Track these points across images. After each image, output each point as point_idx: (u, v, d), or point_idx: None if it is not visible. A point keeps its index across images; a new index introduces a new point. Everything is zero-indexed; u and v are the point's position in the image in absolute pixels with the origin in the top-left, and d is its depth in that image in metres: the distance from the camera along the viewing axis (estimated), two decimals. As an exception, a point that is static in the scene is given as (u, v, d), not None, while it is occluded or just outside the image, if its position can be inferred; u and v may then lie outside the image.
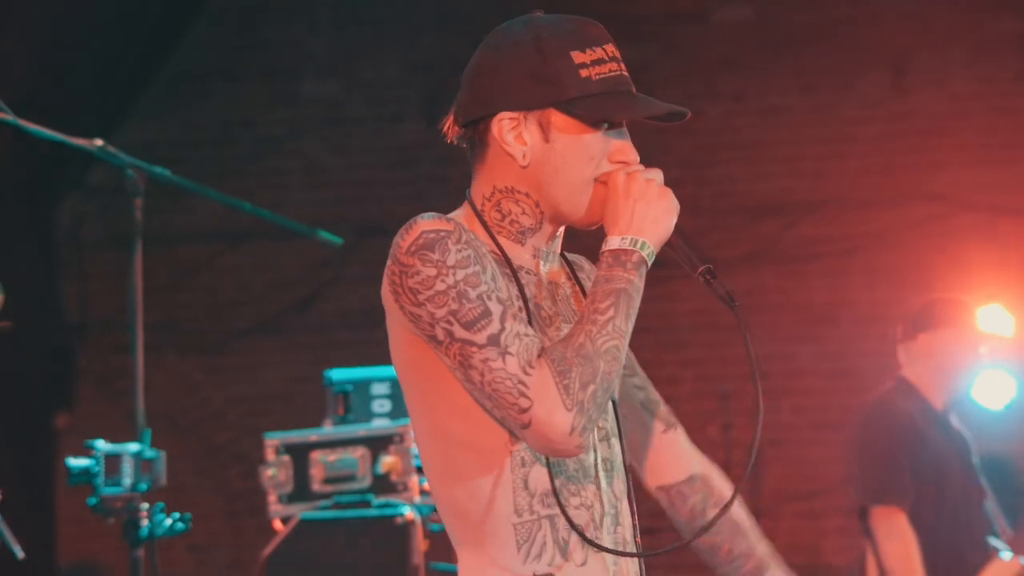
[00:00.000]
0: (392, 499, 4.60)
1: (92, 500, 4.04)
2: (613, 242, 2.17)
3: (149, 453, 4.11)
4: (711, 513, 2.45)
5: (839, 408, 6.89)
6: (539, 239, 2.26)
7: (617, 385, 2.15)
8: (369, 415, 4.82)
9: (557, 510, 2.16)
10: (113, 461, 4.05)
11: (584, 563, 2.19)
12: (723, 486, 2.50)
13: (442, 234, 2.12)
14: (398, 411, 4.75)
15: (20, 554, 3.71)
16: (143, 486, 4.08)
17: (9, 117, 4.01)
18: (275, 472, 4.70)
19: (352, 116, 7.74)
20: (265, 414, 7.15)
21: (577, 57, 2.18)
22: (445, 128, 2.27)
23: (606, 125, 2.21)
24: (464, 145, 2.27)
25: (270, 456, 4.72)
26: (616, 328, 2.12)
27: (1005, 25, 7.21)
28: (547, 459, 2.16)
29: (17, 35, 6.83)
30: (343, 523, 4.57)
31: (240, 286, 7.75)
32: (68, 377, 7.85)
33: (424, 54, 7.62)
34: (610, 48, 2.22)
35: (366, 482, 4.63)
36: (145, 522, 4.04)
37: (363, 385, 4.85)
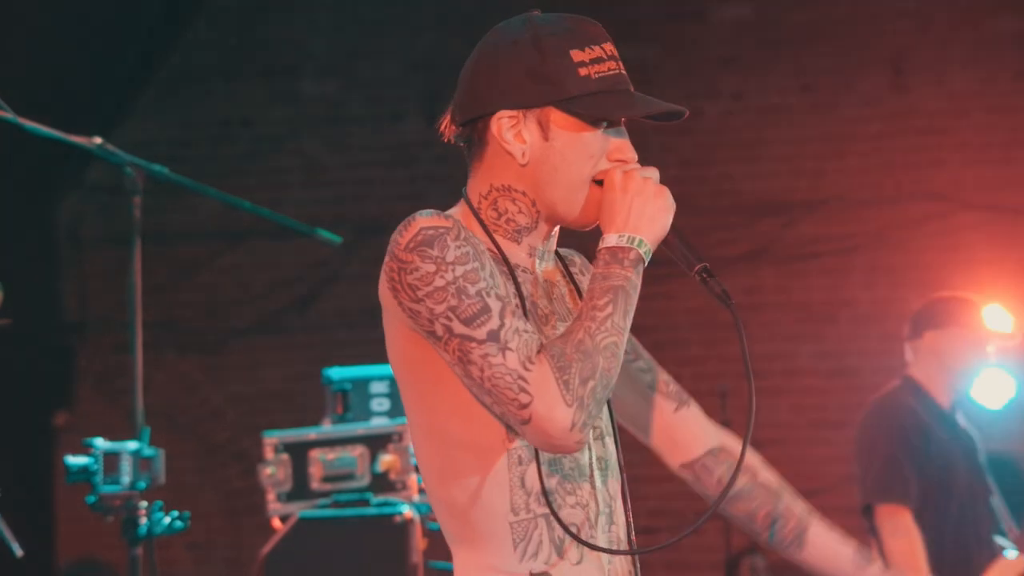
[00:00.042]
0: (391, 498, 4.60)
1: (91, 498, 4.04)
2: (610, 239, 2.18)
3: (148, 451, 4.11)
4: (740, 481, 2.47)
5: (838, 407, 6.89)
6: (535, 238, 2.26)
7: (615, 381, 2.15)
8: (368, 414, 4.82)
9: (554, 507, 2.16)
10: (112, 459, 4.05)
11: (579, 561, 2.20)
12: (747, 454, 2.49)
13: (441, 231, 2.12)
14: (397, 410, 4.75)
15: (19, 552, 3.71)
16: (142, 484, 4.08)
17: (8, 115, 4.01)
18: (274, 471, 4.70)
19: (351, 115, 7.74)
20: (264, 413, 7.15)
21: (576, 56, 2.19)
22: (442, 127, 2.27)
23: (604, 124, 2.21)
24: (461, 144, 2.27)
25: (269, 455, 4.72)
26: (615, 325, 2.12)
27: (1004, 24, 7.21)
28: (539, 459, 2.16)
29: (17, 33, 6.83)
30: (342, 522, 4.57)
31: (239, 285, 7.76)
32: (67, 375, 7.86)
33: (423, 53, 7.62)
34: (608, 47, 2.22)
35: (365, 481, 4.63)
36: (144, 520, 4.05)
37: (362, 384, 4.85)
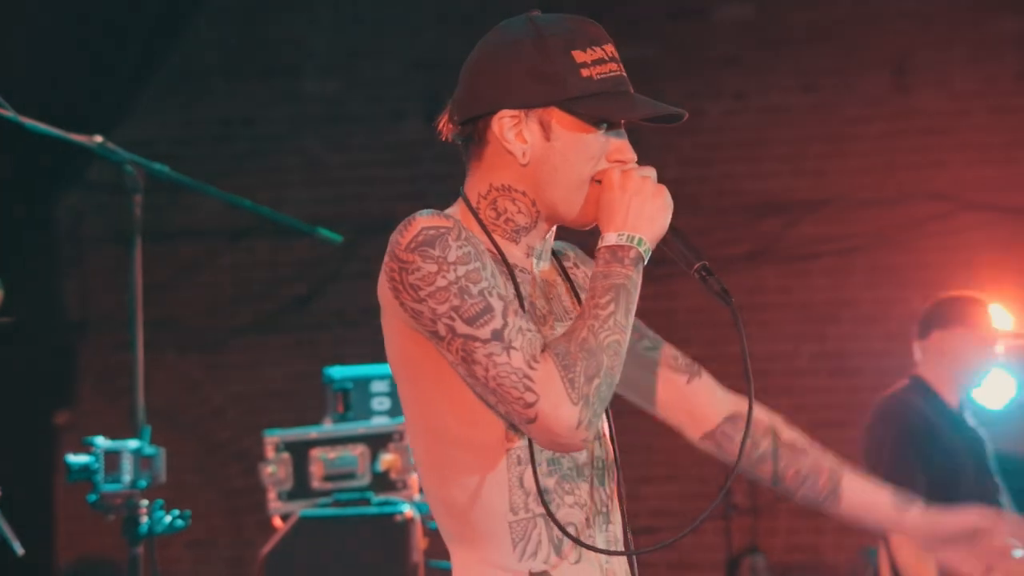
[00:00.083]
0: (391, 497, 4.61)
1: (92, 497, 4.04)
2: (610, 238, 2.18)
3: (149, 450, 4.11)
4: (763, 443, 2.45)
5: (840, 407, 6.89)
6: (533, 238, 2.26)
7: (618, 379, 2.15)
8: (369, 413, 4.83)
9: (552, 508, 2.16)
10: (113, 458, 4.05)
11: (578, 561, 2.20)
12: (763, 415, 2.48)
13: (442, 230, 2.12)
14: (398, 409, 4.75)
15: (20, 550, 3.71)
16: (143, 483, 4.08)
17: (9, 113, 4.01)
18: (275, 469, 4.70)
19: (352, 114, 7.74)
20: (265, 411, 7.15)
21: (579, 57, 2.19)
22: (440, 125, 2.27)
23: (605, 125, 2.21)
24: (459, 142, 2.27)
25: (270, 453, 4.72)
26: (617, 323, 2.12)
27: (1006, 24, 7.21)
28: (534, 459, 2.15)
29: (18, 32, 6.83)
30: (343, 521, 4.58)
31: (240, 283, 7.76)
32: (68, 374, 7.86)
33: (424, 52, 7.62)
34: (609, 48, 2.22)
35: (366, 480, 4.63)
36: (145, 519, 4.05)
37: (363, 383, 4.85)
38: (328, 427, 4.77)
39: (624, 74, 2.23)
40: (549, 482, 2.18)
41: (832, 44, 7.32)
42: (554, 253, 2.36)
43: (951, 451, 4.75)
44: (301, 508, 4.63)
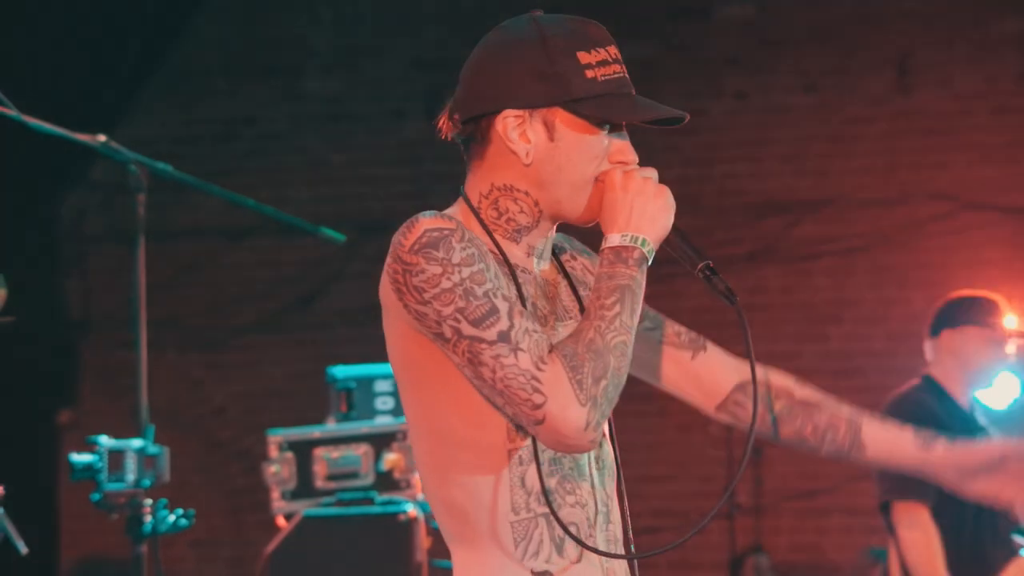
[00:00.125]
0: (395, 496, 4.61)
1: (95, 496, 4.04)
2: (613, 239, 2.18)
3: (152, 449, 4.11)
4: (777, 405, 2.45)
5: (842, 407, 6.88)
6: (534, 237, 2.26)
7: (625, 380, 2.15)
8: (372, 412, 4.83)
9: (554, 508, 2.17)
10: (116, 457, 4.05)
11: (579, 560, 2.20)
12: (775, 378, 2.48)
13: (445, 232, 2.12)
14: (401, 408, 4.75)
15: (24, 549, 3.71)
16: (146, 482, 4.08)
17: (12, 112, 4.01)
18: (278, 469, 4.70)
19: (354, 113, 7.75)
20: (268, 411, 7.15)
21: (583, 58, 2.19)
22: (440, 124, 2.27)
23: (608, 126, 2.22)
24: (460, 142, 2.27)
25: (273, 453, 4.72)
26: (623, 324, 2.13)
27: (1008, 25, 7.21)
28: (538, 459, 2.16)
29: (20, 31, 6.84)
30: (346, 520, 4.58)
31: (242, 283, 7.76)
32: (71, 373, 7.86)
33: (426, 51, 7.62)
34: (613, 50, 2.22)
35: (369, 479, 4.63)
36: (148, 518, 4.05)
37: (366, 382, 4.85)
38: (331, 426, 4.77)
39: (627, 76, 2.23)
40: (551, 482, 2.18)
41: (833, 44, 7.32)
42: (555, 255, 2.36)
43: (962, 451, 4.75)
44: (305, 508, 4.63)
